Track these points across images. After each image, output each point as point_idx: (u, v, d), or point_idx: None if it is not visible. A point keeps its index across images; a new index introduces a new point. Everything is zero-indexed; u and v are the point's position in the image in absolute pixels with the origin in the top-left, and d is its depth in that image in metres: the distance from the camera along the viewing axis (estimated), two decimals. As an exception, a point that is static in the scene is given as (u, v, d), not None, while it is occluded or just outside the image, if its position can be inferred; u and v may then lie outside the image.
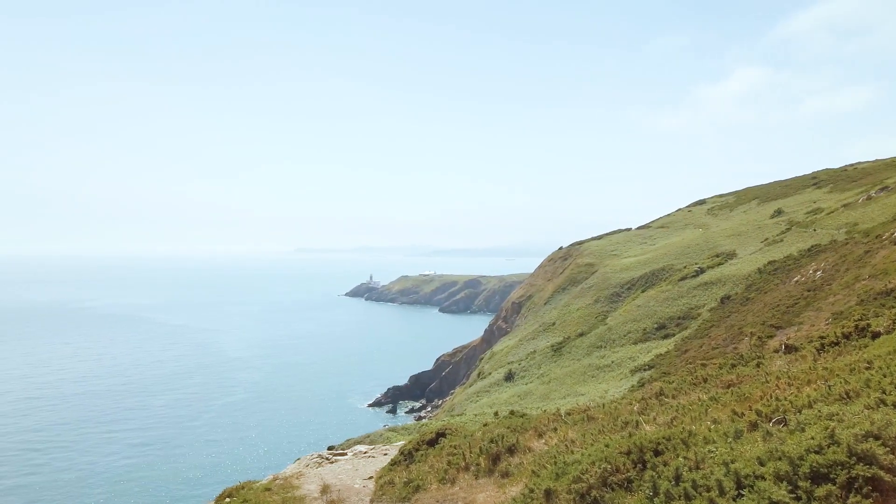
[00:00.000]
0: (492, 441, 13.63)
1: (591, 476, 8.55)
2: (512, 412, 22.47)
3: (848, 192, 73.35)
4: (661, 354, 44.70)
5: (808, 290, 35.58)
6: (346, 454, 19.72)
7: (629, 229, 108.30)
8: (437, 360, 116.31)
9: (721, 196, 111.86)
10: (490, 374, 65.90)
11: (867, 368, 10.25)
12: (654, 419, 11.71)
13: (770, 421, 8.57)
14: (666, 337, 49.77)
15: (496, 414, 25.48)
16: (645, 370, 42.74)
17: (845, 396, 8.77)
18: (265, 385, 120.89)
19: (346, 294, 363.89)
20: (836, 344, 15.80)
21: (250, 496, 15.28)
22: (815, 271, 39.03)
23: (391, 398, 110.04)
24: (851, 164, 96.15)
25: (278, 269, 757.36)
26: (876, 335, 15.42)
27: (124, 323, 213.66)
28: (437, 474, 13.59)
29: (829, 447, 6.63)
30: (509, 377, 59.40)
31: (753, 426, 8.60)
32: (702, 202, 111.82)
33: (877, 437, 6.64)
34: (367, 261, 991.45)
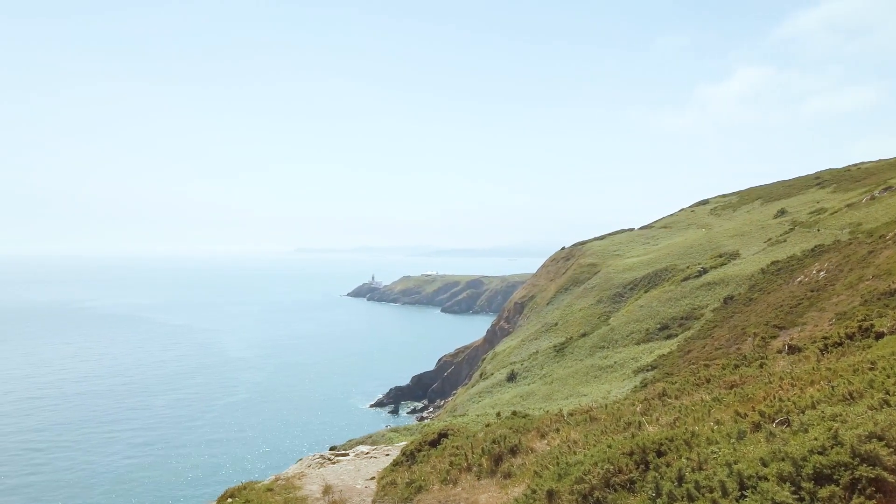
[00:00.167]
0: (494, 442, 13.62)
1: (593, 477, 8.53)
2: (514, 413, 22.46)
3: (851, 192, 73.21)
4: (663, 355, 44.63)
5: (812, 291, 35.51)
6: (348, 455, 19.71)
7: (632, 229, 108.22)
8: (440, 360, 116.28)
9: (724, 196, 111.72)
10: (492, 374, 65.88)
11: (871, 369, 10.21)
12: (657, 420, 11.69)
13: (773, 422, 8.55)
14: (669, 337, 49.70)
15: (498, 414, 25.49)
16: (648, 371, 42.68)
17: (849, 397, 8.74)
18: (267, 385, 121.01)
19: (348, 294, 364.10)
20: (840, 344, 15.75)
21: (252, 496, 15.28)
22: (819, 271, 38.95)
23: (393, 399, 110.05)
24: (855, 164, 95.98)
25: (279, 270, 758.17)
26: (880, 336, 15.38)
27: (125, 323, 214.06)
28: (439, 475, 13.57)
29: (832, 448, 6.60)
30: (511, 378, 59.37)
31: (756, 427, 8.57)
32: (705, 202, 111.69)
33: (880, 438, 6.62)
34: (368, 261, 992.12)
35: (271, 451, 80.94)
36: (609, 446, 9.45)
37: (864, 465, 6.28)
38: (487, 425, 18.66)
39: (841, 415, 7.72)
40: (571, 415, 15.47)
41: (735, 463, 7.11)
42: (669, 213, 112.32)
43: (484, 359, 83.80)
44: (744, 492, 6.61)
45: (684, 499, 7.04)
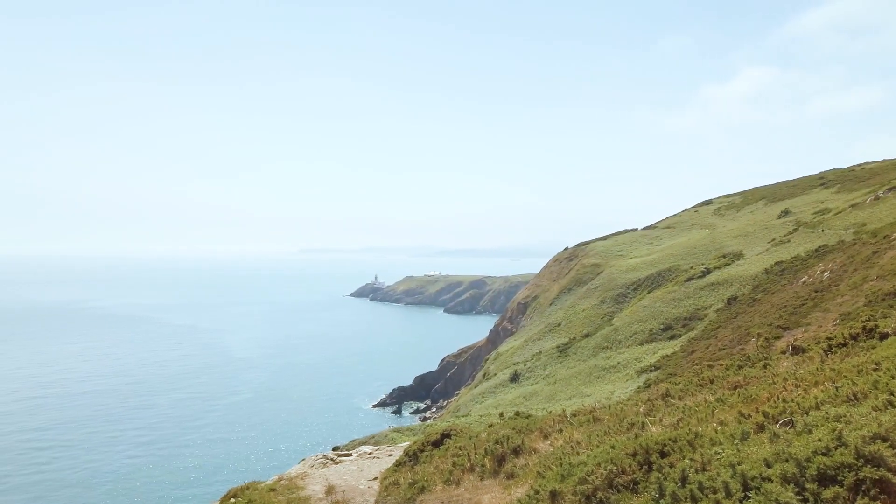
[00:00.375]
0: (497, 442, 13.61)
1: (596, 477, 8.52)
2: (517, 413, 22.45)
3: (856, 193, 73.01)
4: (667, 355, 44.57)
5: (816, 291, 35.42)
6: (350, 455, 19.72)
7: (635, 229, 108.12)
8: (442, 360, 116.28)
9: (728, 196, 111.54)
10: (495, 374, 65.85)
11: (875, 370, 10.18)
12: (660, 420, 11.67)
13: (777, 422, 8.52)
14: (672, 338, 49.63)
15: (501, 415, 25.48)
16: (651, 371, 42.62)
17: (853, 398, 8.71)
18: (270, 385, 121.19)
19: (351, 294, 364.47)
20: (844, 345, 15.70)
21: (255, 496, 15.30)
22: (823, 272, 38.85)
23: (396, 399, 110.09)
24: (859, 164, 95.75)
25: (283, 270, 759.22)
26: (884, 336, 15.32)
27: (128, 323, 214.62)
28: (441, 475, 13.57)
29: (836, 449, 6.58)
30: (515, 378, 59.34)
31: (760, 428, 8.55)
32: (708, 202, 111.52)
33: (885, 439, 6.59)
34: (371, 261, 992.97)
35: (274, 451, 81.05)
36: (612, 447, 9.44)
37: (869, 466, 6.26)
38: (490, 426, 18.65)
39: (845, 416, 7.70)
40: (575, 415, 15.46)
41: (739, 464, 7.10)
42: (673, 214, 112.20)
43: (487, 359, 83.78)
44: (747, 493, 6.59)
45: (688, 499, 7.02)
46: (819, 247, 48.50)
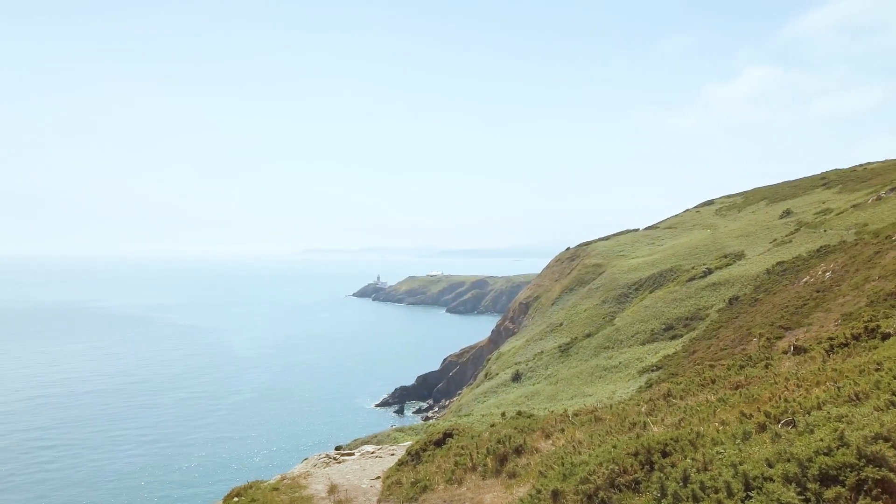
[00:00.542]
0: (499, 442, 13.63)
1: (598, 477, 8.55)
2: (519, 413, 22.46)
3: (857, 193, 72.90)
4: (668, 355, 44.55)
5: (818, 291, 35.38)
6: (353, 454, 19.76)
7: (637, 230, 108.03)
8: (445, 360, 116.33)
9: (729, 196, 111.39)
10: (497, 374, 65.86)
11: (877, 370, 10.19)
12: (662, 420, 11.69)
13: (779, 422, 8.54)
14: (674, 338, 49.60)
15: (503, 414, 25.50)
16: (653, 371, 42.61)
17: (855, 398, 8.72)
18: (273, 385, 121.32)
19: (354, 294, 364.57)
20: (846, 345, 15.70)
21: (258, 495, 15.34)
22: (825, 272, 38.81)
23: (398, 398, 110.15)
24: (861, 165, 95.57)
25: (286, 270, 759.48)
26: (886, 336, 15.32)
27: (131, 323, 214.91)
28: (444, 475, 13.60)
29: (838, 449, 6.60)
30: (516, 378, 59.34)
31: (762, 428, 8.57)
32: (710, 202, 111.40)
33: (886, 439, 6.61)
34: (374, 261, 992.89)
35: (277, 451, 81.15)
36: (614, 446, 9.46)
37: (871, 466, 6.27)
38: (492, 425, 18.67)
39: (847, 416, 7.72)
40: (576, 415, 15.48)
41: (740, 464, 7.12)
42: (674, 214, 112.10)
43: (489, 359, 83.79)
44: (749, 492, 6.61)
45: (689, 499, 7.04)
46: (821, 247, 48.43)
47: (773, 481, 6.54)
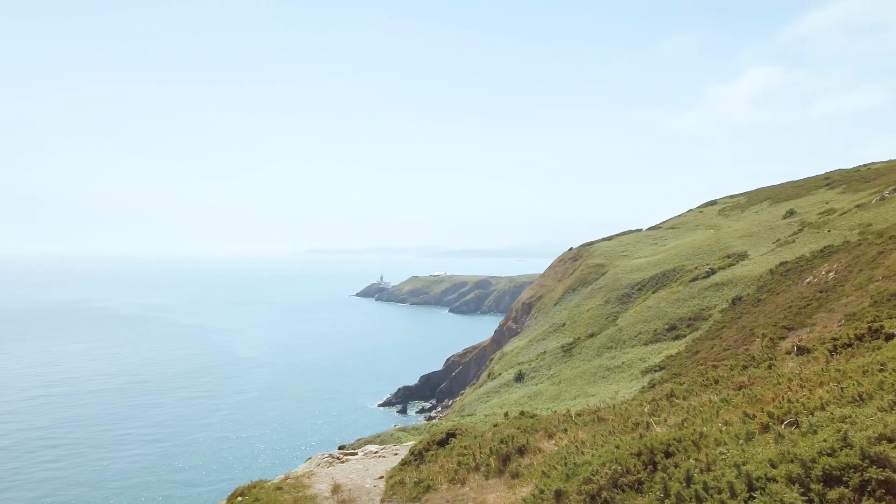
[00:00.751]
0: (502, 441, 13.65)
1: (601, 477, 8.56)
2: (522, 413, 22.47)
3: (861, 193, 72.73)
4: (671, 355, 44.50)
5: (821, 292, 35.30)
6: (356, 454, 19.80)
7: (640, 230, 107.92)
8: (448, 360, 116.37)
9: (732, 197, 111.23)
10: (500, 374, 65.86)
11: (880, 370, 10.18)
12: (665, 420, 11.69)
13: (782, 423, 8.54)
14: (677, 338, 49.55)
15: (506, 414, 25.49)
16: (656, 371, 42.57)
17: (858, 399, 8.72)
18: (276, 384, 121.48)
19: (357, 294, 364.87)
20: (849, 346, 15.68)
21: (262, 495, 15.38)
22: (828, 272, 38.73)
23: (401, 398, 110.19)
24: (864, 165, 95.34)
25: (289, 270, 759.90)
26: (889, 337, 15.30)
27: (133, 323, 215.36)
28: (447, 474, 13.62)
29: (841, 450, 6.60)
30: (519, 378, 59.34)
31: (765, 428, 8.57)
32: (713, 203, 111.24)
33: (890, 440, 6.61)
34: (377, 261, 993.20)
35: (280, 450, 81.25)
36: (617, 447, 9.47)
37: (874, 466, 6.28)
38: (495, 425, 18.68)
39: (850, 416, 7.72)
40: (579, 415, 15.49)
41: (743, 464, 7.12)
42: (677, 214, 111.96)
43: (492, 359, 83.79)
44: (752, 493, 6.62)
45: (693, 500, 7.05)
46: (824, 247, 48.32)
47: (777, 482, 6.55)
